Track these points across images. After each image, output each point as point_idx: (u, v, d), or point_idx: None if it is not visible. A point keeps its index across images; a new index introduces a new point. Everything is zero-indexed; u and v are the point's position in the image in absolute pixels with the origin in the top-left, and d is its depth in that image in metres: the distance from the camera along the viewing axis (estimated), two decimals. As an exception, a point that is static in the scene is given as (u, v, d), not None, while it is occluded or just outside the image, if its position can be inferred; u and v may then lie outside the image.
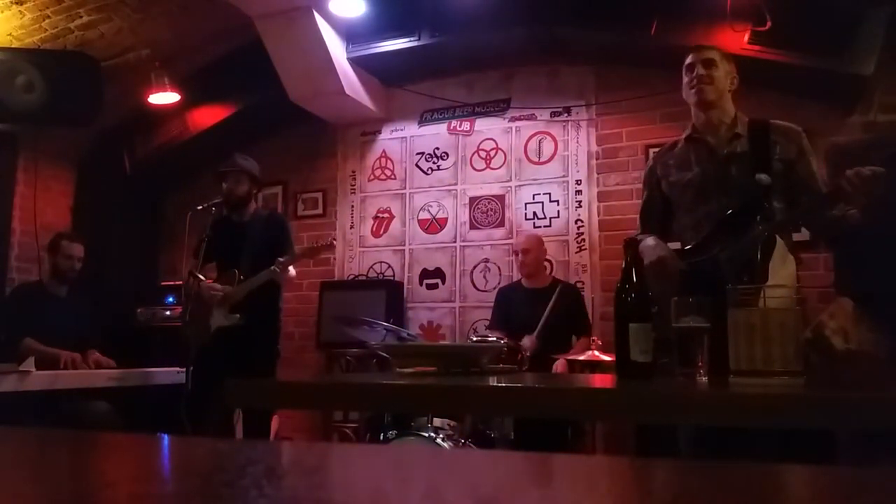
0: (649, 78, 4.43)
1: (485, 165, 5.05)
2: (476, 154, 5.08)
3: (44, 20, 4.47)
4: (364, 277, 5.27)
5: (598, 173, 4.71)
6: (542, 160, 4.89)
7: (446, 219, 5.10)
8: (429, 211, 5.16)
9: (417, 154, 5.24)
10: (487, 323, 4.34)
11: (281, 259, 3.56)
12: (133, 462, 0.61)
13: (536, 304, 3.88)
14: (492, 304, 4.24)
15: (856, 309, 1.46)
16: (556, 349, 3.63)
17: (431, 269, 5.09)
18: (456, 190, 5.10)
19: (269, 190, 5.42)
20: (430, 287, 5.08)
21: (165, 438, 0.68)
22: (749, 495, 0.47)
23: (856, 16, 3.67)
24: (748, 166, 2.21)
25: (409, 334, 3.99)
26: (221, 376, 1.58)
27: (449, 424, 3.15)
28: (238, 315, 3.57)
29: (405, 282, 5.13)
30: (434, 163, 5.18)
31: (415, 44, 4.64)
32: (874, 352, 1.37)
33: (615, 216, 4.58)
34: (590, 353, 3.23)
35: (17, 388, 3.04)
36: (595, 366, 3.17)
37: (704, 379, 1.47)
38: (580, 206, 4.72)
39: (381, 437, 3.07)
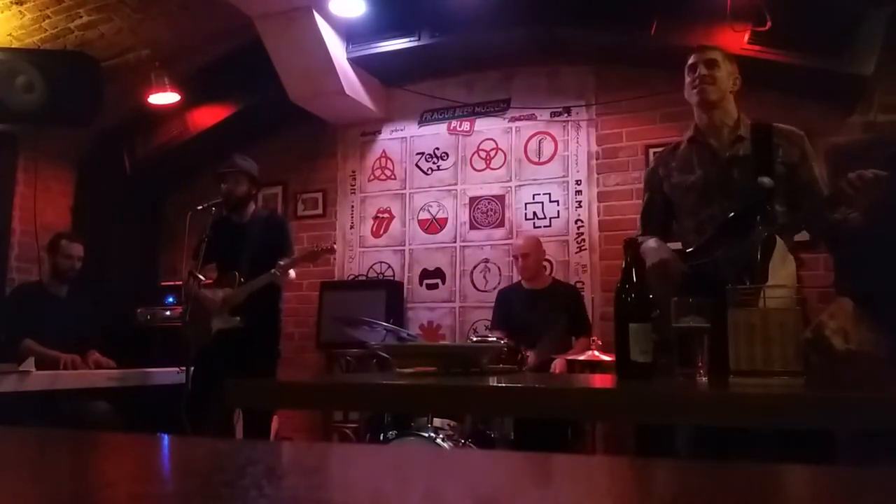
0: (649, 78, 4.43)
1: (485, 165, 5.05)
2: (476, 154, 5.08)
3: (44, 20, 4.47)
4: (364, 277, 5.27)
5: (598, 173, 4.71)
6: (542, 160, 4.89)
7: (446, 219, 5.10)
8: (429, 211, 5.16)
9: (417, 154, 5.24)
10: (487, 323, 4.34)
11: (281, 262, 3.56)
12: (133, 462, 0.61)
13: (537, 305, 3.88)
14: (492, 305, 4.24)
15: (856, 309, 1.46)
16: (556, 349, 3.63)
17: (431, 269, 5.09)
18: (456, 190, 5.10)
19: (269, 190, 5.42)
20: (430, 287, 5.08)
21: (165, 438, 0.68)
22: (749, 495, 0.47)
23: (856, 16, 3.67)
24: (751, 169, 2.21)
25: (409, 334, 3.99)
26: (221, 376, 1.58)
27: (449, 424, 3.15)
28: (238, 318, 3.57)
29: (405, 282, 5.13)
30: (434, 163, 5.18)
31: (415, 44, 4.64)
32: (874, 352, 1.38)
33: (615, 216, 4.58)
34: (590, 353, 3.24)
35: (17, 389, 3.04)
36: (595, 366, 3.17)
37: (704, 379, 1.47)
38: (580, 207, 4.72)
39: (381, 438, 3.07)
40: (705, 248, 2.20)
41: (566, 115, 4.84)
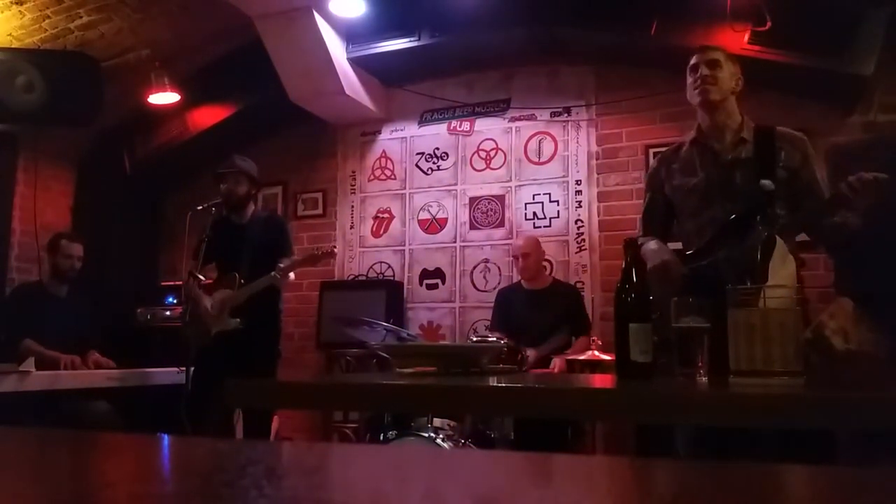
0: (649, 78, 4.43)
1: (485, 165, 5.05)
2: (476, 154, 5.08)
3: (44, 20, 4.47)
4: (364, 278, 5.27)
5: (598, 173, 4.71)
6: (542, 160, 4.89)
7: (446, 219, 5.10)
8: (429, 211, 5.16)
9: (417, 154, 5.24)
10: (487, 323, 4.34)
11: (281, 265, 3.56)
12: (133, 462, 0.61)
13: (536, 305, 3.88)
14: (492, 305, 4.24)
15: (856, 309, 1.46)
16: (556, 349, 3.63)
17: (431, 269, 5.09)
18: (456, 190, 5.10)
19: (269, 190, 5.42)
20: (430, 287, 5.08)
21: (165, 438, 0.68)
22: (749, 495, 0.47)
23: (856, 16, 3.67)
24: (753, 172, 2.20)
25: (409, 334, 3.99)
26: (222, 377, 1.58)
27: (449, 425, 3.15)
28: (238, 319, 3.57)
29: (405, 282, 5.13)
30: (434, 163, 5.18)
31: (415, 44, 4.64)
32: (874, 352, 1.38)
33: (615, 216, 4.58)
34: (590, 353, 3.23)
35: (17, 389, 3.04)
36: (595, 366, 3.16)
37: (704, 379, 1.47)
38: (580, 207, 4.72)
39: (381, 438, 3.07)
40: (705, 250, 2.20)
41: (566, 115, 4.84)
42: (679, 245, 2.40)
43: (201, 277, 3.62)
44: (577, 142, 4.79)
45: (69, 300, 3.97)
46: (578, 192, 4.74)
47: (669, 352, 1.54)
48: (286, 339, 4.60)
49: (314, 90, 4.84)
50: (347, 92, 4.78)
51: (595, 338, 3.35)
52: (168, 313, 4.99)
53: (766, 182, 2.10)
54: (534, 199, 4.87)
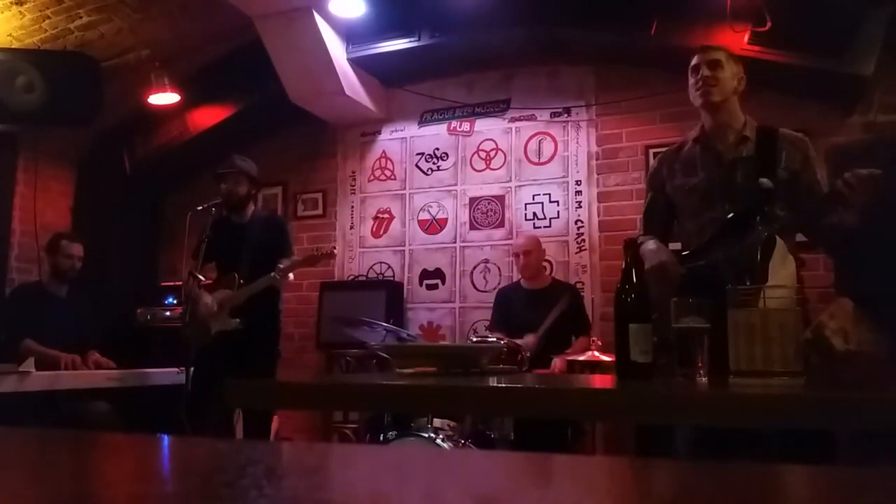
0: (649, 78, 4.43)
1: (485, 166, 5.05)
2: (476, 154, 5.08)
3: (44, 21, 4.47)
4: (364, 278, 5.27)
5: (597, 174, 4.71)
6: (541, 161, 4.89)
7: (446, 219, 5.10)
8: (429, 211, 5.16)
9: (417, 154, 5.24)
10: (487, 324, 4.34)
11: (281, 265, 3.56)
12: (133, 462, 0.61)
13: (536, 304, 3.88)
14: (491, 305, 4.24)
15: (856, 309, 1.46)
16: (555, 349, 3.63)
17: (431, 269, 5.09)
18: (456, 190, 5.10)
19: (268, 190, 5.42)
20: (429, 287, 5.08)
21: (165, 439, 0.68)
22: (749, 495, 0.47)
23: (856, 16, 3.67)
24: (753, 172, 2.20)
25: (408, 335, 3.99)
26: (221, 377, 1.58)
27: (449, 425, 3.15)
28: (237, 320, 3.57)
29: (405, 282, 5.13)
30: (434, 163, 5.18)
31: (415, 44, 4.64)
32: (874, 352, 1.38)
33: (615, 217, 4.58)
34: (590, 353, 3.23)
35: (16, 389, 3.04)
36: (595, 366, 3.16)
37: (704, 379, 1.47)
38: (580, 207, 4.72)
39: (381, 438, 3.07)
40: (702, 250, 2.19)
41: (566, 115, 4.84)
42: (679, 245, 2.40)
43: (201, 277, 3.61)
44: (577, 142, 4.79)
45: (69, 300, 3.97)
46: (578, 193, 4.74)
47: (669, 352, 1.54)
48: (286, 339, 4.60)
49: (314, 90, 4.84)
50: (347, 92, 4.78)
51: (595, 338, 3.36)
52: (168, 313, 4.99)
53: (764, 180, 2.10)
54: (534, 199, 4.87)
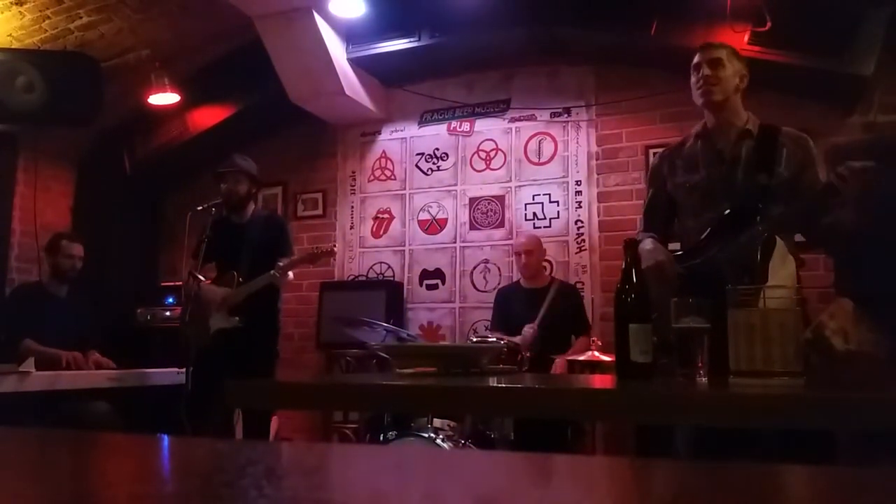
0: (649, 78, 4.43)
1: (485, 166, 5.05)
2: (476, 154, 5.08)
3: (44, 21, 4.47)
4: (364, 278, 5.27)
5: (597, 174, 4.71)
6: (541, 161, 4.89)
7: (446, 219, 5.10)
8: (429, 211, 5.16)
9: (417, 154, 5.24)
10: (487, 324, 4.34)
11: (281, 263, 3.56)
12: (133, 462, 0.61)
13: (535, 304, 3.88)
14: (491, 305, 4.24)
15: (856, 309, 1.46)
16: (555, 349, 3.64)
17: (431, 269, 5.09)
18: (456, 190, 5.10)
19: (268, 190, 5.42)
20: (429, 288, 5.08)
21: (165, 439, 0.68)
22: (749, 495, 0.47)
23: (856, 16, 3.67)
24: (754, 170, 2.20)
25: (408, 335, 3.99)
26: (221, 377, 1.58)
27: (449, 425, 3.15)
28: (237, 318, 3.57)
29: (405, 282, 5.13)
30: (434, 163, 5.18)
31: (415, 44, 4.64)
32: (874, 352, 1.38)
33: (615, 217, 4.58)
34: (590, 353, 3.24)
35: (17, 389, 3.04)
36: (595, 366, 3.16)
37: (704, 379, 1.47)
38: (580, 207, 4.72)
39: (381, 438, 3.07)
40: (699, 249, 2.19)
41: (566, 115, 4.84)
42: (678, 245, 2.39)
43: (201, 277, 3.62)
44: (577, 142, 4.79)
45: (69, 300, 3.97)
46: (578, 193, 4.74)
47: (669, 352, 1.54)
48: (286, 339, 4.60)
49: (314, 90, 4.84)
50: (347, 92, 4.78)
51: (595, 338, 3.36)
52: (168, 313, 5.00)
53: (761, 176, 2.10)
54: (534, 199, 4.87)
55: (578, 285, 4.51)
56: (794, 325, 1.42)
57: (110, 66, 4.77)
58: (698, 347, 1.49)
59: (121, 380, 3.56)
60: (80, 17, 4.49)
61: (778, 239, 1.99)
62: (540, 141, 4.91)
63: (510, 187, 4.95)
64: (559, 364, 3.50)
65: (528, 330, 3.57)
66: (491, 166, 5.02)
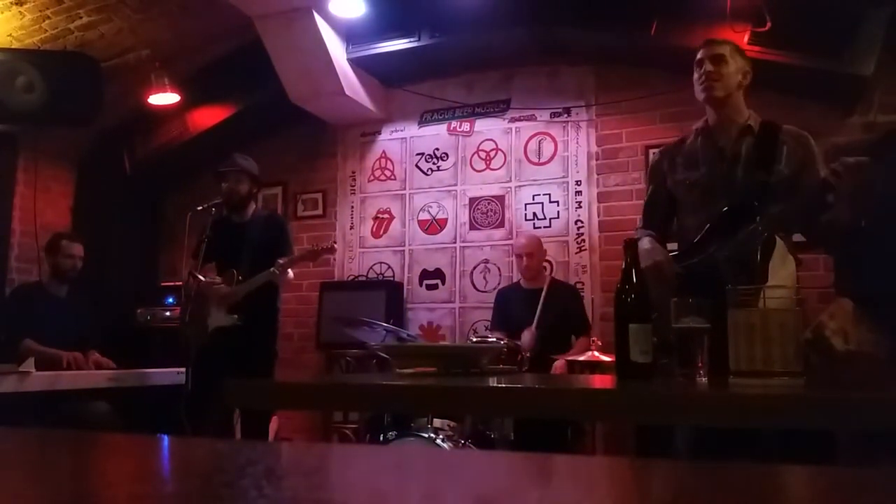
0: (649, 78, 4.43)
1: (485, 166, 5.05)
2: (476, 155, 5.08)
3: (44, 21, 4.47)
4: (364, 278, 5.27)
5: (597, 174, 4.71)
6: (541, 161, 4.89)
7: (446, 219, 5.10)
8: (429, 212, 5.16)
9: (417, 155, 5.24)
10: (487, 324, 4.34)
11: (280, 261, 3.56)
12: (133, 462, 0.61)
13: (536, 304, 3.88)
14: (491, 305, 4.24)
15: (856, 309, 1.46)
16: (555, 349, 3.63)
17: (431, 269, 5.09)
18: (456, 191, 5.10)
19: (268, 190, 5.42)
20: (429, 288, 5.08)
21: (165, 439, 0.68)
22: (749, 495, 0.47)
23: (856, 16, 3.67)
24: (754, 167, 2.20)
25: (408, 335, 3.99)
26: (220, 376, 1.58)
27: (449, 425, 3.15)
28: (236, 316, 3.57)
29: (405, 282, 5.13)
30: (434, 163, 5.18)
31: (415, 44, 4.64)
32: (874, 352, 1.38)
33: (615, 217, 4.58)
34: (590, 353, 3.23)
35: (16, 389, 3.04)
36: (595, 366, 3.16)
37: (704, 380, 1.47)
38: (580, 207, 4.72)
39: (381, 438, 3.07)
40: (697, 247, 2.19)
41: (566, 115, 4.84)
42: (676, 244, 2.39)
43: (201, 277, 3.62)
44: (577, 142, 4.79)
45: (69, 300, 3.97)
46: (578, 193, 4.74)
47: (669, 352, 1.54)
48: (286, 339, 4.60)
49: (314, 90, 4.84)
50: (347, 92, 4.78)
51: (595, 338, 3.36)
52: (168, 313, 5.00)
53: (761, 174, 2.10)
54: (534, 199, 4.87)
55: (578, 285, 4.52)
56: (794, 325, 1.42)
57: (110, 66, 4.77)
58: (698, 347, 1.49)
59: (121, 380, 3.56)
60: (80, 17, 4.49)
61: (778, 239, 1.99)
62: (540, 141, 4.91)
63: (510, 187, 4.95)
64: (559, 364, 3.50)
65: (527, 335, 3.57)
66: (491, 166, 5.02)
